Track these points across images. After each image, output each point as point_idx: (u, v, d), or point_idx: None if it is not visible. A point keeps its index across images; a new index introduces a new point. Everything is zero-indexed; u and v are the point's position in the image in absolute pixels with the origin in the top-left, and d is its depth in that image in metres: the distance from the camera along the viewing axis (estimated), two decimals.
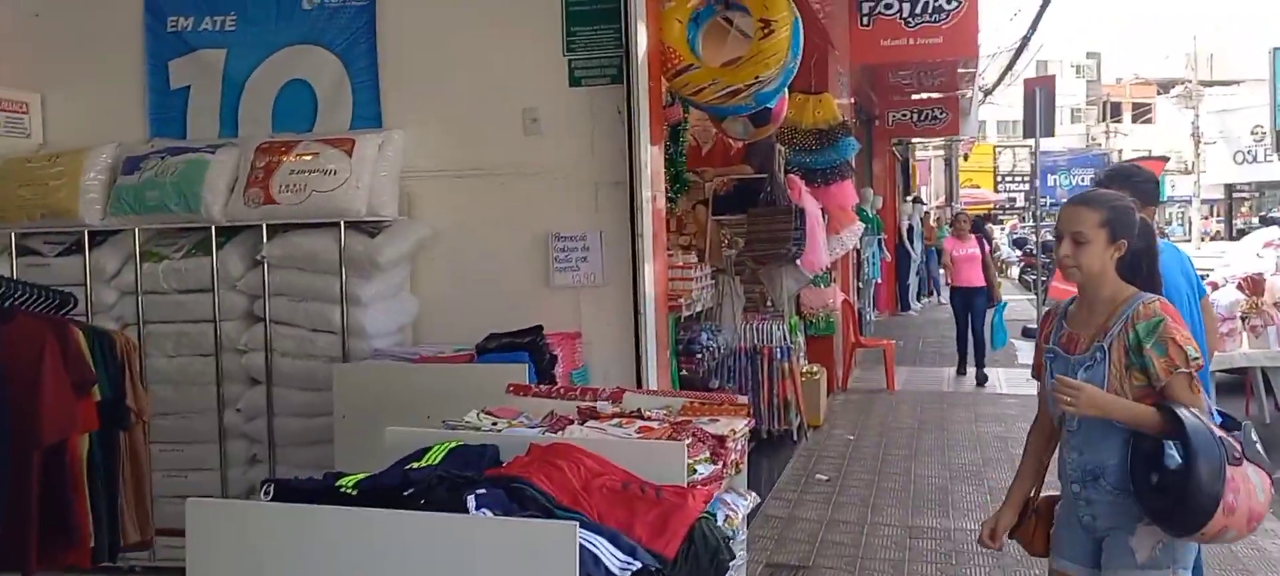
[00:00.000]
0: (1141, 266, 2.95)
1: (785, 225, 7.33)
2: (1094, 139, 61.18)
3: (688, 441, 2.90)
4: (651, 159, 4.70)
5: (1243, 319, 8.85)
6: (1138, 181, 3.86)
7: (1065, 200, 3.69)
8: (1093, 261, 2.89)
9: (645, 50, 4.64)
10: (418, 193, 4.86)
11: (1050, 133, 14.46)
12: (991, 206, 41.07)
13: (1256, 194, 49.12)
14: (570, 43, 4.68)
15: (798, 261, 7.53)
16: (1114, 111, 65.76)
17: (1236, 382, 9.66)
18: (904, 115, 15.83)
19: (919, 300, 19.56)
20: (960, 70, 13.70)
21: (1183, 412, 2.70)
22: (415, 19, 4.87)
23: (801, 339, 8.78)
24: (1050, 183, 54.71)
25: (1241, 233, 36.99)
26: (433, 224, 4.82)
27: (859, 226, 10.00)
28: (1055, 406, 2.91)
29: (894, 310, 18.31)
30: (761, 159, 7.65)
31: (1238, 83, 56.34)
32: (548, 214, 4.72)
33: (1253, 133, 46.47)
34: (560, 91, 4.70)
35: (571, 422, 3.06)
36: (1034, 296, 17.08)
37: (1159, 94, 62.44)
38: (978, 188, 45.95)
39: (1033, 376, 3.25)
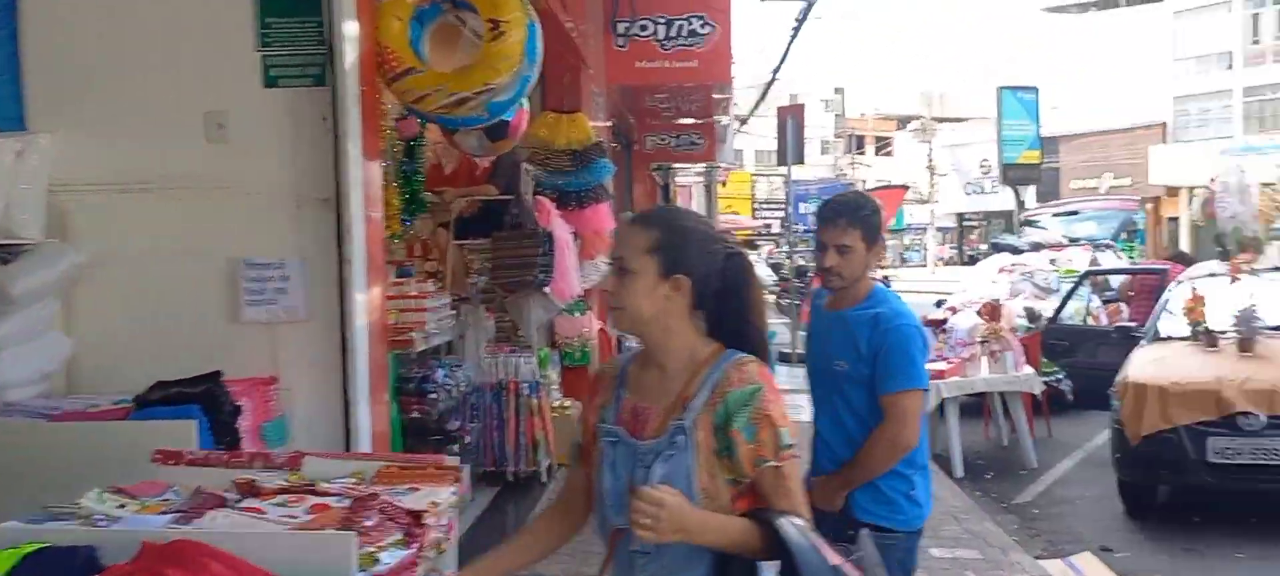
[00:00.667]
0: (724, 319, 2.20)
1: (532, 250, 6.83)
2: (841, 170, 64.58)
3: (370, 521, 2.30)
4: (366, 174, 4.06)
5: (982, 343, 9.08)
6: (865, 214, 3.34)
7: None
8: (639, 301, 2.15)
9: (356, 49, 4.01)
10: (73, 210, 3.99)
11: (800, 160, 14.80)
12: (750, 232, 42.35)
13: (985, 222, 53.23)
14: (264, 37, 3.97)
15: (547, 289, 7.04)
16: (858, 144, 69.74)
17: (976, 405, 9.94)
18: (663, 139, 15.75)
19: None
20: (716, 96, 13.70)
21: (789, 532, 2.00)
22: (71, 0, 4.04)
23: (554, 371, 8.29)
24: (803, 210, 57.20)
25: (972, 259, 39.81)
26: (92, 247, 3.97)
27: None
28: (618, 515, 2.13)
29: None
30: (507, 179, 7.12)
31: (967, 120, 60.99)
32: (237, 236, 3.98)
33: (981, 166, 50.47)
34: (253, 93, 3.97)
35: (221, 504, 2.38)
36: (788, 320, 17.42)
37: (898, 129, 66.88)
38: (736, 214, 47.33)
39: (576, 463, 2.40)
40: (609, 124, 11.32)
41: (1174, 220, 43.03)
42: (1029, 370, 9.05)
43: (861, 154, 68.05)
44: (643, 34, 10.46)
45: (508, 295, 7.16)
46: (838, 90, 71.93)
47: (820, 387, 3.59)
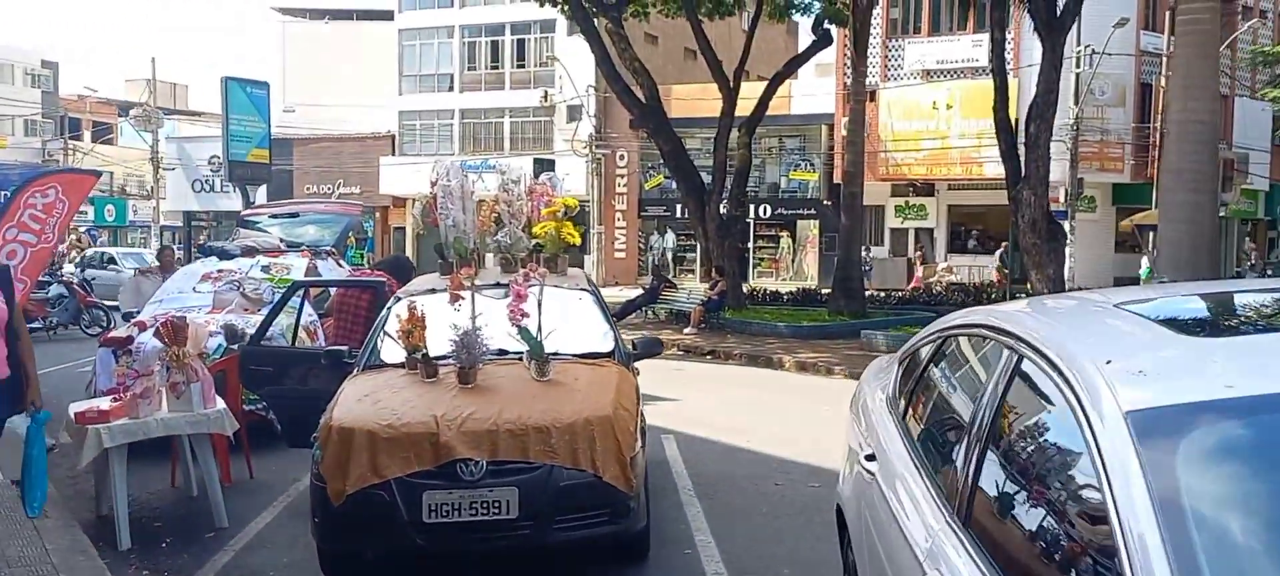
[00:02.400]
0: None
1: None
2: (52, 154, 56.66)
3: None
4: None
5: (164, 371, 7.05)
6: None
7: None
8: None
9: None
10: None
11: None
12: None
13: (216, 222, 50.27)
14: None
15: None
16: (73, 127, 61.95)
17: (163, 445, 7.78)
18: None
19: None
20: None
21: None
22: None
23: None
24: None
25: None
26: None
27: None
28: None
29: None
30: None
31: (201, 114, 57.40)
32: None
33: (210, 162, 47.54)
34: None
35: None
36: None
37: (121, 116, 60.66)
38: None
39: None
40: None
41: (401, 229, 44.78)
42: (221, 404, 7.21)
43: (77, 138, 60.44)
44: None
45: None
46: (48, 65, 63.10)
47: None
